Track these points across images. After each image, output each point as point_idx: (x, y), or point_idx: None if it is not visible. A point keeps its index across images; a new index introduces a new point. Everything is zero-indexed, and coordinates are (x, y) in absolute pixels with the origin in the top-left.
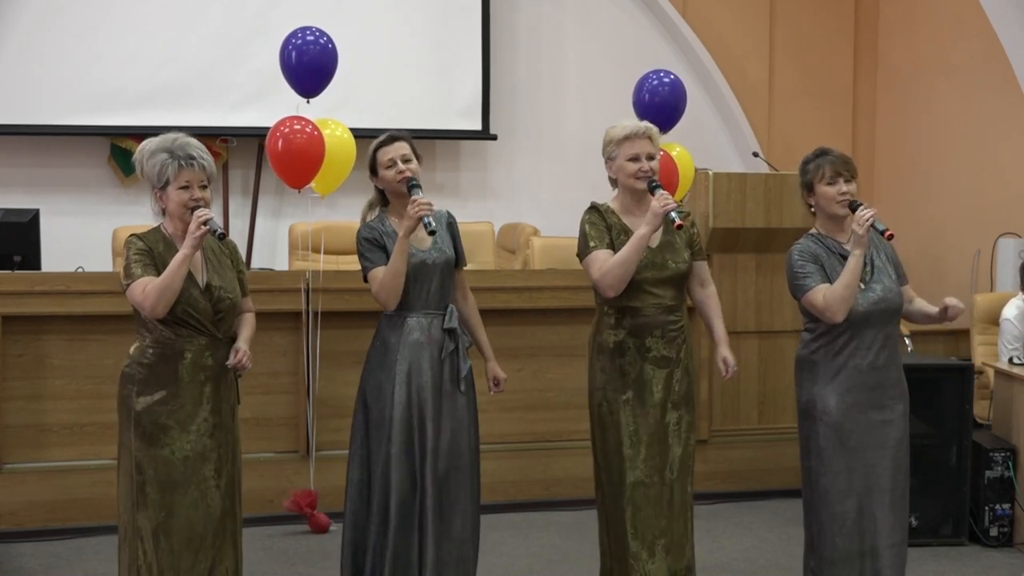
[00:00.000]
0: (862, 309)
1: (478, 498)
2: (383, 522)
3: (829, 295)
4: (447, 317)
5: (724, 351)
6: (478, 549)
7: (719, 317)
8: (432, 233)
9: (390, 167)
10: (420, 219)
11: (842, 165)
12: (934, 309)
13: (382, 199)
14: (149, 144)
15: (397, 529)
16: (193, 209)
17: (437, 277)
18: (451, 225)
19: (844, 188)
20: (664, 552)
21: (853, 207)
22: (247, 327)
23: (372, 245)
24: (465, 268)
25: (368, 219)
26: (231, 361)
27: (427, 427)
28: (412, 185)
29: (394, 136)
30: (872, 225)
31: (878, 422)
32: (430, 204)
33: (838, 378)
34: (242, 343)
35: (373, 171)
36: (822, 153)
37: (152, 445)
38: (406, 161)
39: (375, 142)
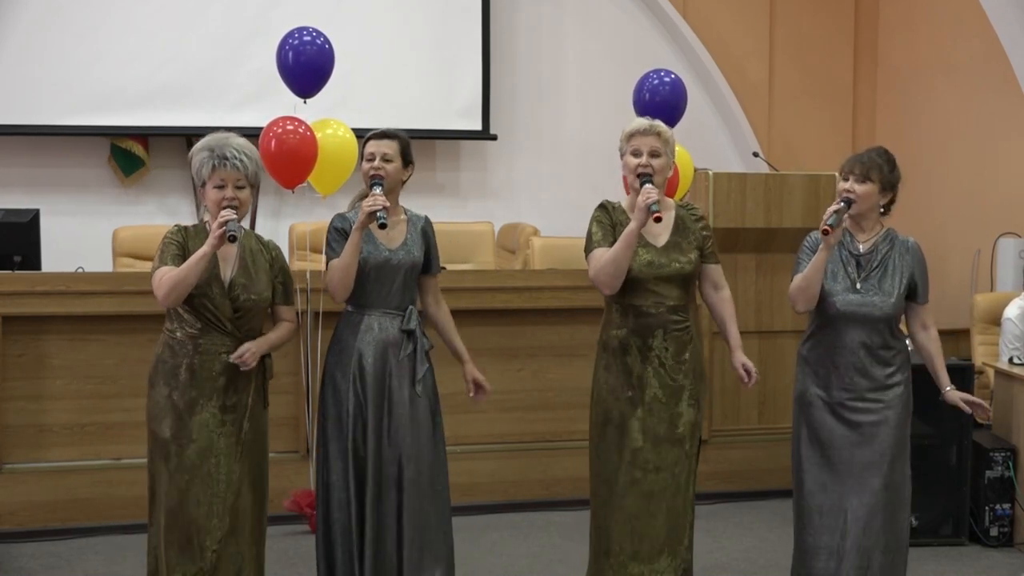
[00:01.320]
0: (841, 309)
1: (447, 500)
2: (347, 521)
3: (792, 283)
4: (406, 318)
5: (741, 357)
6: (452, 550)
7: (733, 321)
8: (383, 227)
9: (369, 160)
10: (372, 214)
11: (857, 165)
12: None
13: None
14: (199, 142)
15: (358, 529)
16: (224, 209)
17: (400, 278)
18: (425, 231)
19: (847, 185)
20: (658, 553)
21: (845, 200)
22: (276, 332)
23: (339, 236)
24: (438, 275)
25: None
26: (233, 356)
27: (369, 428)
28: (374, 183)
29: (387, 133)
30: (825, 220)
31: (860, 423)
32: (385, 201)
33: (820, 375)
34: (253, 342)
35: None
36: (859, 153)
37: (164, 434)
38: (386, 160)
39: (369, 134)
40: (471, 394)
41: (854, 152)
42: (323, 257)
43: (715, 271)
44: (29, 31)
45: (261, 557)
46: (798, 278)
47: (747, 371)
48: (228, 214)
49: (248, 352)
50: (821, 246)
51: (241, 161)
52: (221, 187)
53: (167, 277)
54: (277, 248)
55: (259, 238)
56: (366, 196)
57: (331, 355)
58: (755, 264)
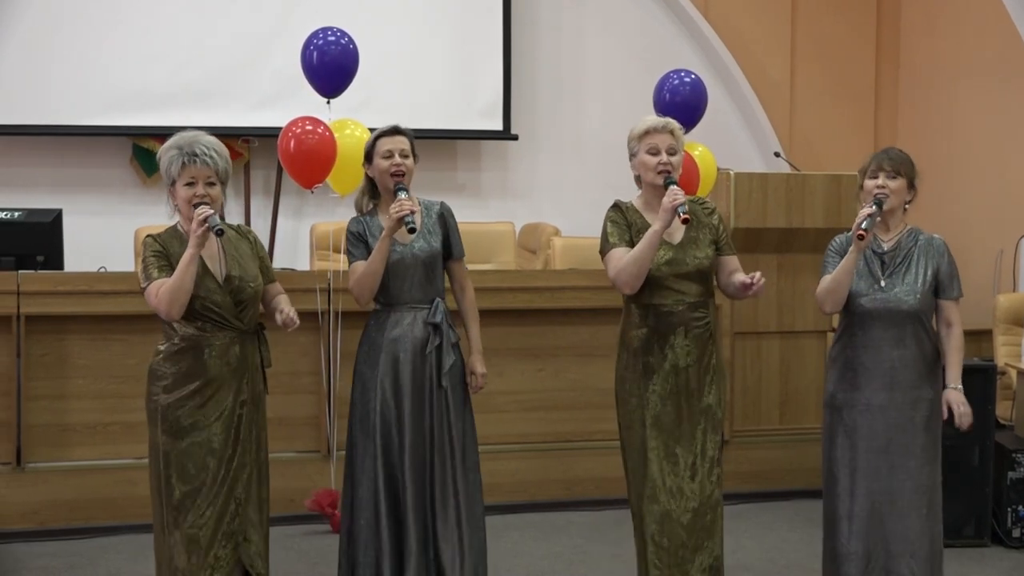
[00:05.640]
0: (868, 307)
1: (477, 494)
2: (374, 519)
3: (820, 285)
4: (432, 311)
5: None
6: (485, 545)
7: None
8: (412, 231)
9: (387, 157)
10: (400, 220)
11: (887, 161)
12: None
13: (371, 189)
14: (167, 142)
15: (387, 525)
16: (196, 206)
17: (420, 271)
18: (443, 216)
19: (879, 182)
20: (689, 549)
21: (876, 202)
22: (283, 296)
23: (356, 240)
24: (463, 258)
25: (361, 211)
26: (279, 319)
27: (405, 423)
28: (398, 188)
29: (398, 129)
30: (859, 223)
31: (892, 425)
32: (412, 205)
33: (849, 375)
34: (284, 305)
35: (368, 159)
36: (881, 151)
37: (179, 439)
38: (404, 156)
39: (377, 131)
40: (469, 384)
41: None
42: (343, 258)
43: (732, 261)
44: (52, 32)
45: (267, 545)
46: (827, 279)
47: (752, 276)
48: (205, 210)
49: (289, 314)
50: (851, 248)
51: (211, 157)
52: (192, 184)
53: (163, 290)
54: (251, 231)
55: (231, 225)
56: (366, 194)
57: (360, 353)
58: (776, 264)
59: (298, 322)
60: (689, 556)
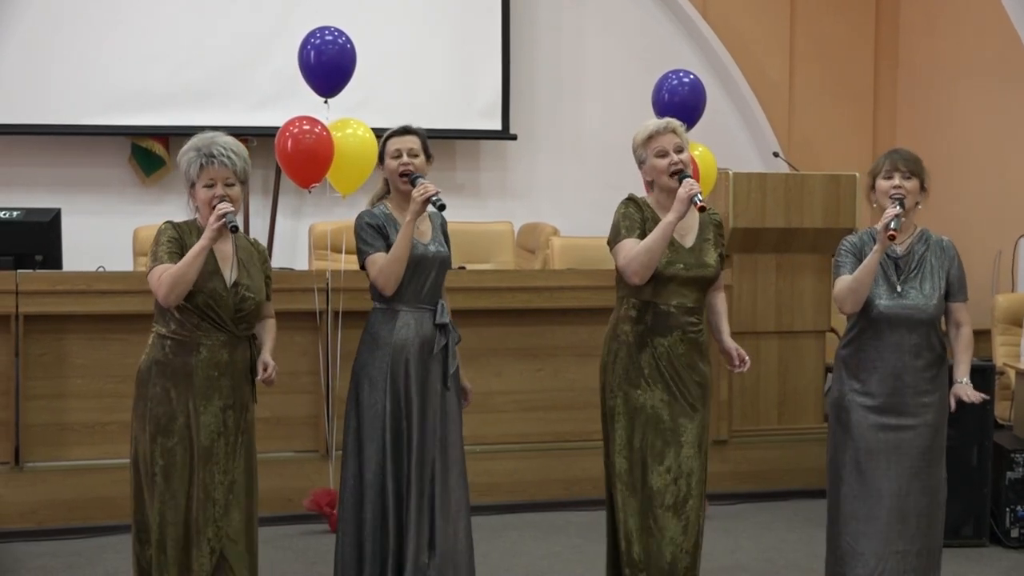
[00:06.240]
0: (885, 311)
1: (467, 497)
2: (381, 519)
3: (839, 285)
4: (438, 312)
5: (732, 342)
6: (472, 546)
7: (726, 315)
8: (443, 208)
9: (395, 157)
10: (427, 201)
11: (902, 162)
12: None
13: (387, 190)
14: (186, 144)
15: (384, 526)
16: (216, 205)
17: (435, 271)
18: (444, 226)
19: (897, 183)
20: (667, 550)
21: (899, 201)
22: (270, 336)
23: (374, 231)
24: (450, 270)
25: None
26: (261, 376)
27: (414, 423)
28: (414, 177)
29: (407, 129)
30: (888, 224)
31: (895, 427)
32: (436, 186)
33: (860, 378)
34: (269, 357)
35: (381, 159)
36: (892, 151)
37: (162, 437)
38: (413, 156)
39: (389, 131)
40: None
41: (875, 152)
42: (343, 258)
43: (721, 275)
44: (52, 32)
45: (255, 554)
46: (847, 279)
47: (740, 356)
48: (226, 206)
49: (273, 369)
50: (875, 247)
51: (229, 158)
52: (211, 186)
53: (167, 274)
54: (262, 245)
55: (248, 239)
56: (383, 196)
57: (364, 352)
58: (775, 264)
59: (275, 381)
60: (664, 555)
